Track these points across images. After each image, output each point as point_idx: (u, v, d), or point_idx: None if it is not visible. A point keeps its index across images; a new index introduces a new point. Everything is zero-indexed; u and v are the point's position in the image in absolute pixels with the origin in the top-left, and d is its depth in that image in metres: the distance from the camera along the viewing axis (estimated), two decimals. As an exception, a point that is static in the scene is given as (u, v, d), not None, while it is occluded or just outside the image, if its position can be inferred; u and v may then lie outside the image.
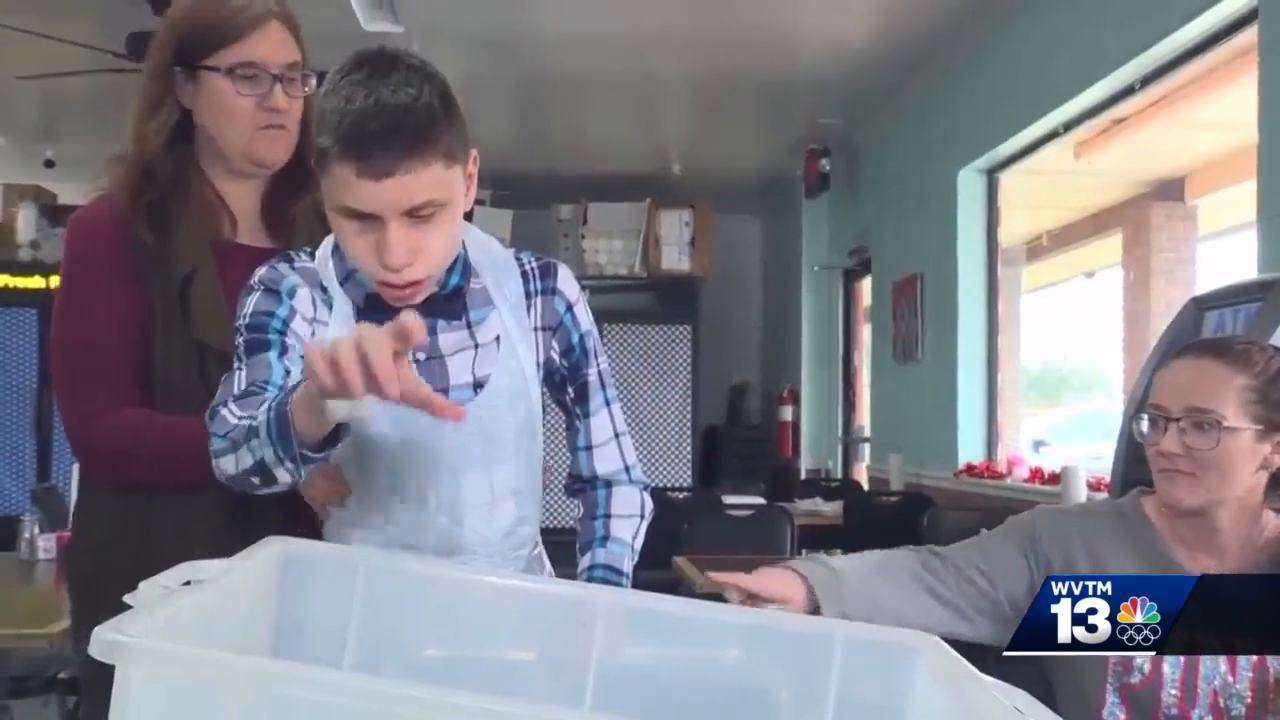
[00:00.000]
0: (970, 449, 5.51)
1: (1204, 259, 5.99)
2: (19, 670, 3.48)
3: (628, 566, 1.43)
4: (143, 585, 0.82)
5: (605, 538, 1.44)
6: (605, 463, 1.48)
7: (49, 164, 7.63)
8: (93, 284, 1.57)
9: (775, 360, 8.90)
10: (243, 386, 1.25)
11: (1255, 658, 1.51)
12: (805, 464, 8.04)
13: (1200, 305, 2.66)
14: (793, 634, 1.09)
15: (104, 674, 0.73)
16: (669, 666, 1.11)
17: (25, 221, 7.82)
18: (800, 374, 8.11)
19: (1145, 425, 1.57)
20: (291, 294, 1.32)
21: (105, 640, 0.70)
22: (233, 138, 1.57)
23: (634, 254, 8.10)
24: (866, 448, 7.44)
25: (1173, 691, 1.54)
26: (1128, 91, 4.24)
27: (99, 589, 0.87)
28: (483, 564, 1.36)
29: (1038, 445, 6.51)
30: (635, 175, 7.93)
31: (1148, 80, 4.11)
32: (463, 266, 1.36)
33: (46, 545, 3.80)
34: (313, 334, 1.32)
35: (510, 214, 7.90)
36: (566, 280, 1.45)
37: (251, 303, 1.32)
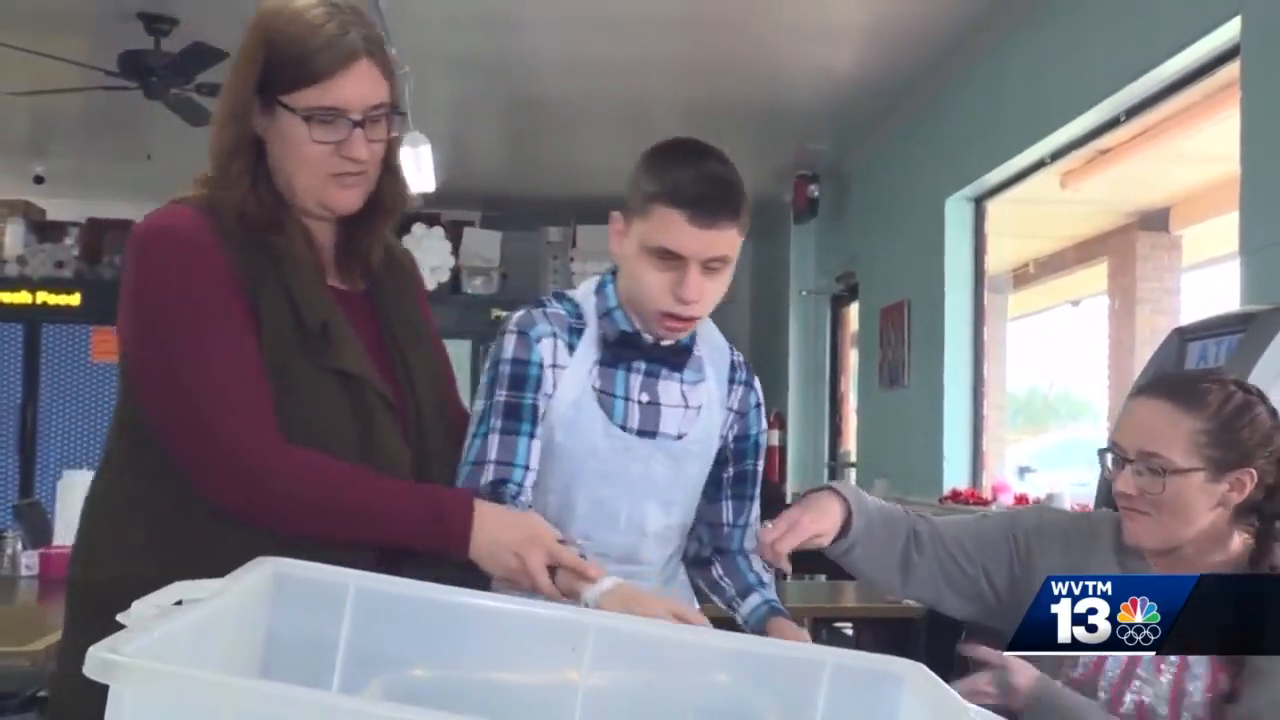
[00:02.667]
0: (956, 475, 5.53)
1: (1188, 289, 6.04)
2: (-1, 688, 3.46)
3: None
4: (136, 605, 0.83)
5: (761, 583, 1.69)
6: (751, 542, 1.73)
7: (38, 180, 7.63)
8: (210, 298, 1.37)
9: (762, 384, 8.89)
10: (491, 475, 1.50)
11: (1177, 667, 1.53)
12: (792, 488, 8.04)
13: (1184, 336, 2.68)
14: (780, 659, 1.10)
15: (81, 699, 0.74)
16: (657, 690, 1.11)
17: (13, 237, 7.82)
18: (787, 399, 8.12)
19: (1109, 461, 1.60)
20: (539, 340, 1.57)
21: (99, 659, 0.71)
22: (305, 182, 1.43)
23: (623, 277, 8.09)
24: (853, 473, 7.45)
25: (1103, 695, 1.57)
26: (1113, 123, 4.29)
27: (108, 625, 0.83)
28: (654, 579, 1.63)
29: (1023, 472, 6.52)
30: (624, 199, 7.94)
31: (1133, 112, 4.15)
32: (694, 333, 1.65)
33: (29, 562, 3.78)
34: (550, 381, 1.57)
35: (499, 235, 7.93)
36: (759, 386, 1.76)
37: (509, 347, 1.57)
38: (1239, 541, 1.58)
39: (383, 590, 1.10)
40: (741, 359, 1.75)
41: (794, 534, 1.56)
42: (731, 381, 1.71)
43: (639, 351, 1.62)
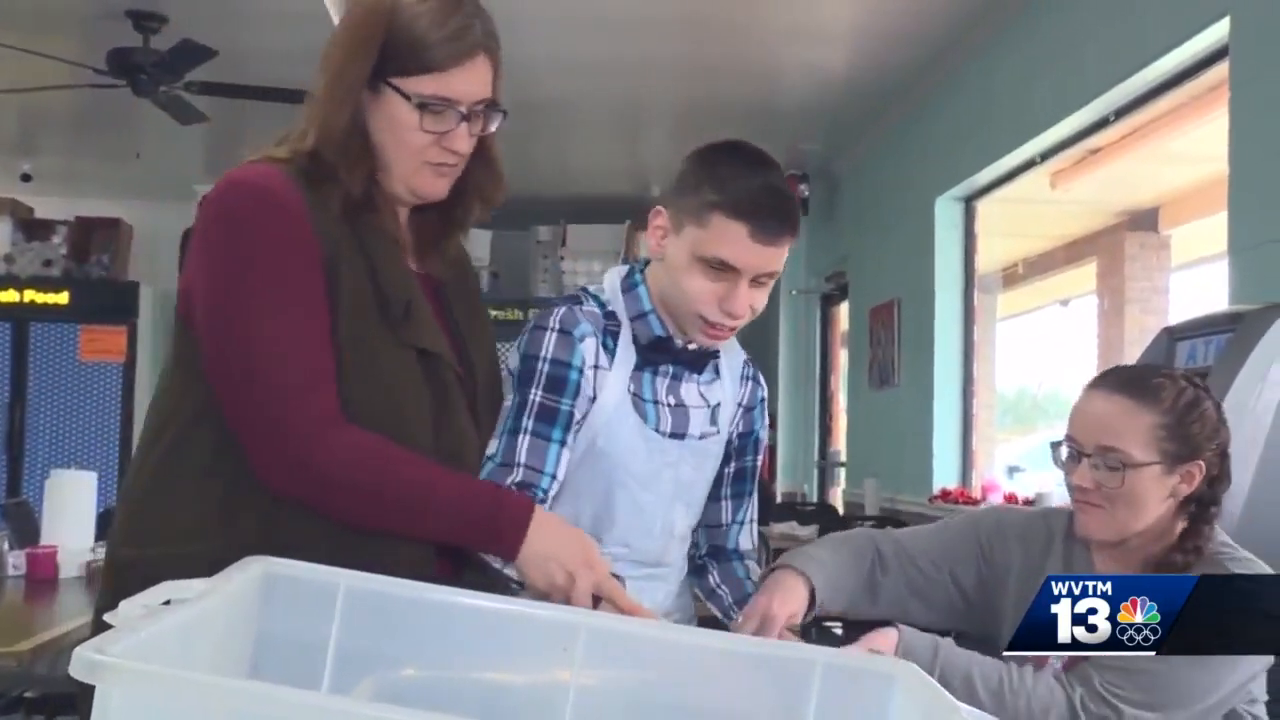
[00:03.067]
0: (945, 474, 5.54)
1: (1177, 288, 6.06)
2: (-14, 689, 3.44)
3: None
4: (123, 604, 0.82)
5: (748, 596, 1.64)
6: (746, 540, 1.74)
7: (25, 178, 7.59)
8: (285, 259, 1.33)
9: (752, 384, 8.91)
10: (519, 476, 1.47)
11: None
12: (781, 487, 8.05)
13: (1173, 335, 2.69)
14: (772, 659, 1.10)
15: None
16: (648, 690, 1.11)
17: (1, 235, 7.78)
18: (777, 398, 8.13)
19: (1063, 455, 1.62)
20: (582, 339, 1.54)
21: (86, 660, 0.70)
22: (402, 167, 1.41)
23: (613, 276, 8.10)
24: (842, 472, 7.47)
25: None
26: (1103, 123, 4.30)
27: None
28: (675, 580, 1.65)
29: (1012, 471, 6.54)
30: (615, 198, 7.95)
31: (1122, 112, 4.16)
32: None
33: (16, 562, 3.75)
34: (592, 384, 1.54)
35: (489, 234, 7.91)
36: (764, 381, 1.75)
37: (550, 345, 1.54)
38: (1176, 527, 1.61)
39: (373, 589, 1.09)
40: (748, 355, 1.75)
41: (769, 627, 1.52)
42: (743, 378, 1.71)
43: (669, 355, 1.60)
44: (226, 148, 7.69)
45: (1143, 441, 1.56)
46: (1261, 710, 1.60)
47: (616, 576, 1.39)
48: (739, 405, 1.70)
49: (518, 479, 1.47)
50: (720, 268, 1.49)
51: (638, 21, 5.12)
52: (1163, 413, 1.57)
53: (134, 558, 1.34)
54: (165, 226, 8.35)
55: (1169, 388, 1.59)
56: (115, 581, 1.35)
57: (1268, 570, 1.56)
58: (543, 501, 1.48)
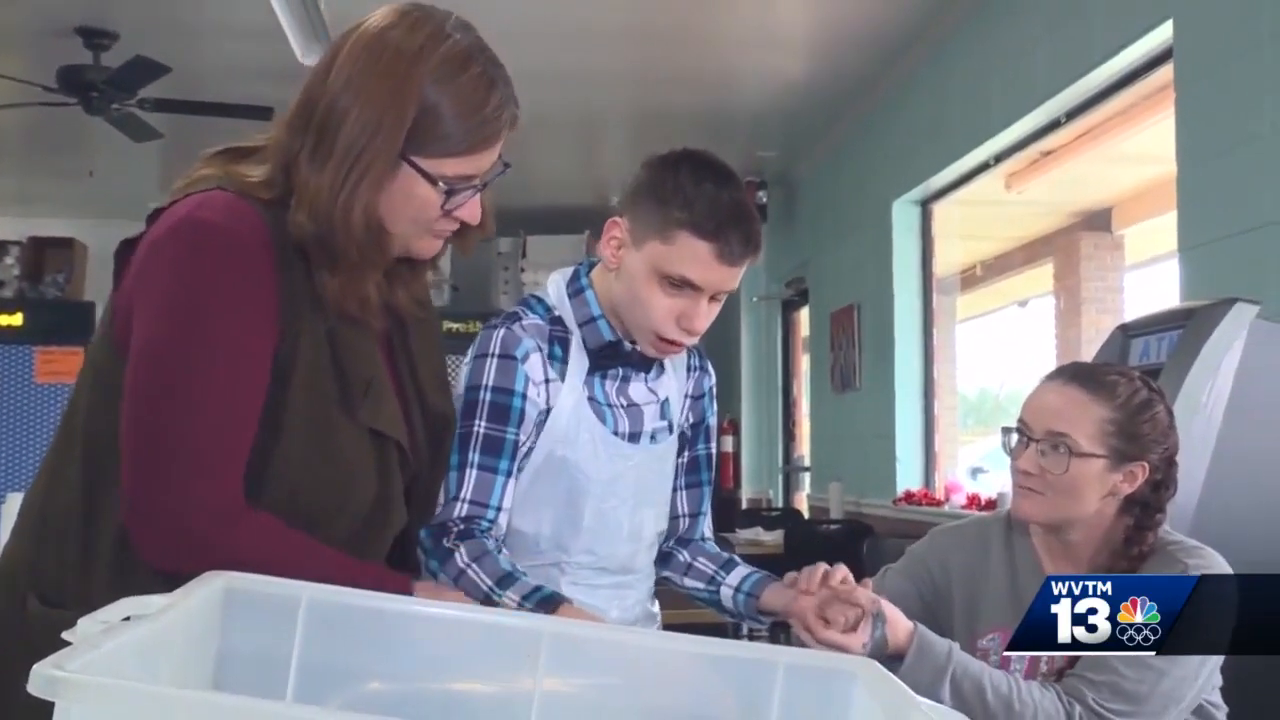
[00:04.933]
0: (909, 477, 5.58)
1: (1131, 287, 6.14)
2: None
3: None
4: (82, 621, 0.81)
5: (733, 560, 1.70)
6: (708, 528, 1.75)
7: (-24, 198, 7.51)
8: (236, 324, 1.20)
9: (715, 391, 8.93)
10: (464, 511, 1.48)
11: None
12: (746, 494, 8.07)
13: (1127, 333, 2.73)
14: (734, 660, 1.10)
15: None
16: (612, 694, 1.11)
17: (-48, 257, 7.68)
18: (740, 404, 8.15)
19: (1013, 440, 1.65)
20: (525, 359, 1.52)
21: (45, 676, 0.70)
22: (404, 235, 1.30)
23: (574, 286, 8.09)
24: (806, 477, 7.50)
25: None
26: (1055, 125, 4.36)
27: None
28: (643, 587, 1.64)
29: (975, 472, 6.59)
30: (574, 208, 7.95)
31: (1073, 114, 4.22)
32: None
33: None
34: (543, 396, 1.53)
35: (449, 246, 7.89)
36: (712, 369, 1.75)
37: (491, 373, 1.52)
38: (1120, 528, 1.63)
39: (335, 602, 1.09)
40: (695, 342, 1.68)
41: (859, 591, 1.49)
42: (689, 369, 1.71)
43: (618, 359, 1.60)
44: (181, 164, 7.58)
45: (1091, 433, 1.59)
46: (1218, 697, 1.63)
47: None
48: (686, 396, 1.69)
49: (464, 514, 1.49)
50: (682, 284, 1.49)
51: (594, 32, 5.14)
52: (1115, 408, 1.60)
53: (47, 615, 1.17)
54: (121, 245, 8.29)
55: (1124, 385, 1.62)
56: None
57: (1220, 560, 1.59)
58: (490, 528, 1.50)
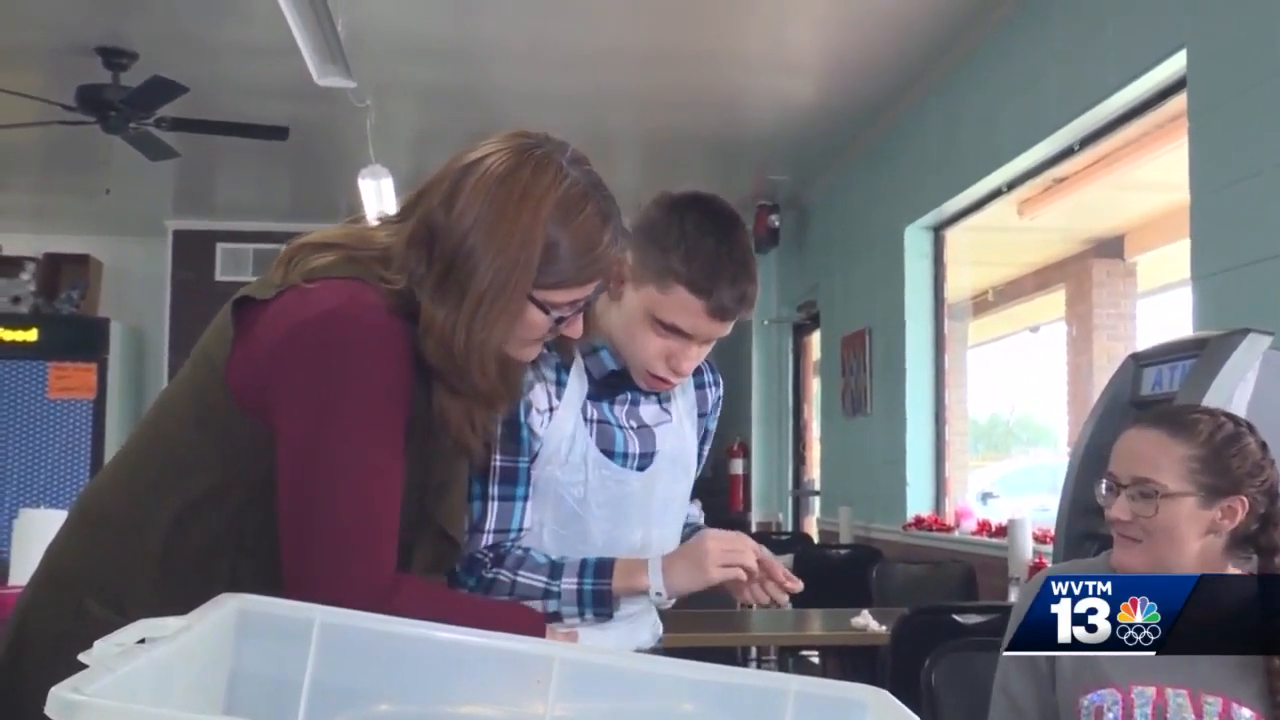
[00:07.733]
0: (919, 501, 5.56)
1: (1143, 314, 6.14)
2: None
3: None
4: (98, 644, 0.82)
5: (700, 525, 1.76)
6: (697, 510, 1.79)
7: (-7, 215, 7.56)
8: (394, 419, 1.28)
9: (725, 414, 8.88)
10: (490, 540, 1.55)
11: (1221, 707, 1.54)
12: (756, 517, 8.05)
13: (1139, 361, 2.72)
14: (746, 688, 1.10)
15: None
16: (623, 721, 1.11)
17: (-32, 272, 7.73)
18: (750, 428, 8.15)
19: (1103, 490, 1.64)
20: (530, 389, 1.55)
21: (62, 699, 0.70)
22: (512, 349, 1.35)
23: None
24: (816, 501, 7.48)
25: None
26: (1068, 152, 4.36)
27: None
28: (652, 609, 1.65)
29: (985, 498, 6.58)
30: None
31: (1086, 142, 4.23)
32: None
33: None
34: (542, 425, 1.56)
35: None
36: (720, 380, 1.78)
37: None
38: (1230, 569, 1.60)
39: (347, 624, 1.09)
40: (707, 360, 1.71)
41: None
42: (699, 387, 1.74)
43: (625, 384, 1.62)
44: (197, 183, 7.70)
45: (1177, 472, 1.57)
46: None
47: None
48: (699, 414, 1.73)
49: (490, 542, 1.56)
50: (668, 330, 1.53)
51: (605, 53, 5.17)
52: (1198, 445, 1.58)
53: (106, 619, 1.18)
54: (135, 262, 8.33)
55: (1206, 422, 1.60)
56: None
57: None
58: (514, 543, 1.57)
